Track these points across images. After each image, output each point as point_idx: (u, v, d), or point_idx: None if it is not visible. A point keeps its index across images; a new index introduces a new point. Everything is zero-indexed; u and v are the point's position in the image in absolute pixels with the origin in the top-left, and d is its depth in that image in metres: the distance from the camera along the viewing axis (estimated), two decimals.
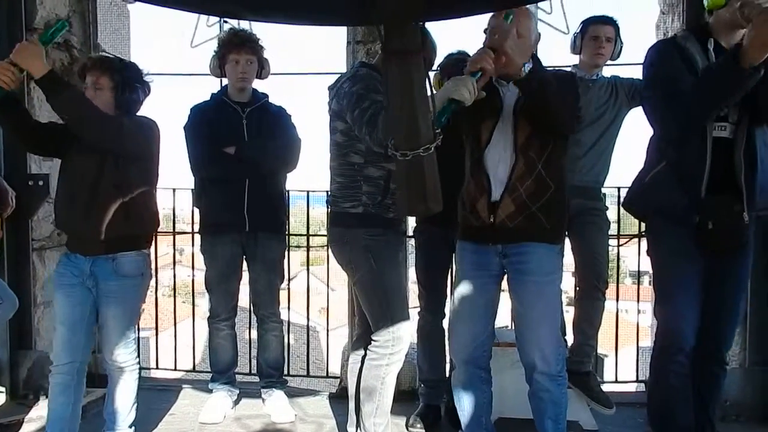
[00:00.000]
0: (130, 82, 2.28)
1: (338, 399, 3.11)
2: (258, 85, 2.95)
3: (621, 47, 2.78)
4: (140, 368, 2.44)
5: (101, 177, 2.22)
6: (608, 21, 2.75)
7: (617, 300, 3.43)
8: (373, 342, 2.25)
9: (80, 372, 2.31)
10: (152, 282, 2.57)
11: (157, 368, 3.83)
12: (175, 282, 4.00)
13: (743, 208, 1.97)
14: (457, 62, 2.60)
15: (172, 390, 3.32)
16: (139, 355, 2.44)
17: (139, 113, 2.37)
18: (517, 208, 2.00)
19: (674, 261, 2.11)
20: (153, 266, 2.59)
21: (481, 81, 1.81)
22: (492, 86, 2.00)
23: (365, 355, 2.29)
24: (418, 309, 2.82)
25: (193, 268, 3.83)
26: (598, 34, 2.72)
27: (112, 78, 2.25)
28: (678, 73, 1.98)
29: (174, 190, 3.54)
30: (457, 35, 2.24)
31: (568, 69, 2.76)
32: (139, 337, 2.53)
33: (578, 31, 2.80)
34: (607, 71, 2.83)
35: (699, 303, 2.07)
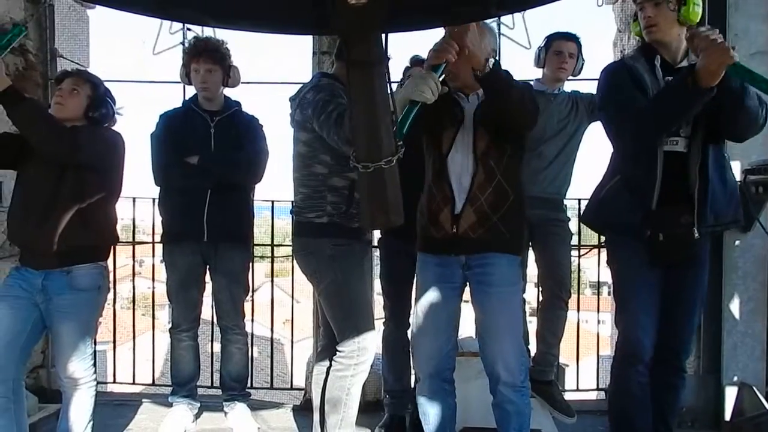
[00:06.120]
0: (105, 99, 2.34)
1: (302, 411, 3.07)
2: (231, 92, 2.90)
3: (582, 64, 2.85)
4: (96, 383, 2.36)
5: (59, 188, 2.17)
6: (571, 37, 2.82)
7: (578, 310, 3.49)
8: (338, 353, 2.23)
9: (17, 390, 2.16)
10: (110, 294, 2.48)
11: (114, 382, 3.71)
12: (134, 293, 3.90)
13: (693, 220, 2.03)
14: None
15: (130, 405, 3.22)
16: (95, 370, 2.36)
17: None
18: (478, 218, 2.01)
19: (632, 273, 2.17)
20: (111, 279, 2.51)
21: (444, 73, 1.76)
22: (452, 97, 2.02)
23: (330, 366, 2.27)
24: (383, 319, 2.81)
25: (153, 279, 3.74)
26: (561, 50, 2.78)
27: (93, 88, 2.31)
28: (628, 91, 2.06)
29: (134, 199, 3.46)
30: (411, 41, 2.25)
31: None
32: (95, 351, 2.43)
33: (542, 45, 2.86)
34: (568, 86, 2.90)
35: (657, 313, 2.13)
